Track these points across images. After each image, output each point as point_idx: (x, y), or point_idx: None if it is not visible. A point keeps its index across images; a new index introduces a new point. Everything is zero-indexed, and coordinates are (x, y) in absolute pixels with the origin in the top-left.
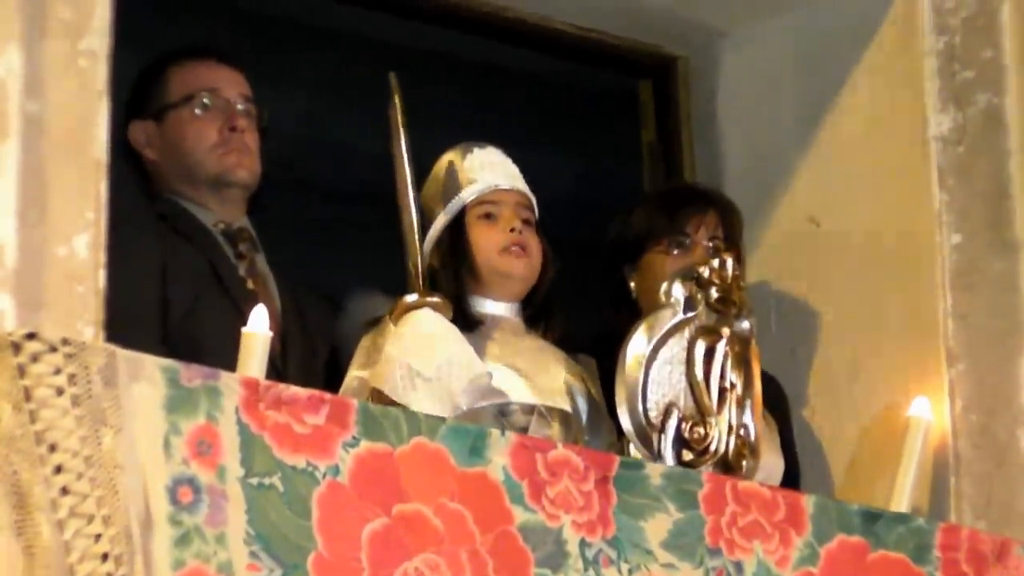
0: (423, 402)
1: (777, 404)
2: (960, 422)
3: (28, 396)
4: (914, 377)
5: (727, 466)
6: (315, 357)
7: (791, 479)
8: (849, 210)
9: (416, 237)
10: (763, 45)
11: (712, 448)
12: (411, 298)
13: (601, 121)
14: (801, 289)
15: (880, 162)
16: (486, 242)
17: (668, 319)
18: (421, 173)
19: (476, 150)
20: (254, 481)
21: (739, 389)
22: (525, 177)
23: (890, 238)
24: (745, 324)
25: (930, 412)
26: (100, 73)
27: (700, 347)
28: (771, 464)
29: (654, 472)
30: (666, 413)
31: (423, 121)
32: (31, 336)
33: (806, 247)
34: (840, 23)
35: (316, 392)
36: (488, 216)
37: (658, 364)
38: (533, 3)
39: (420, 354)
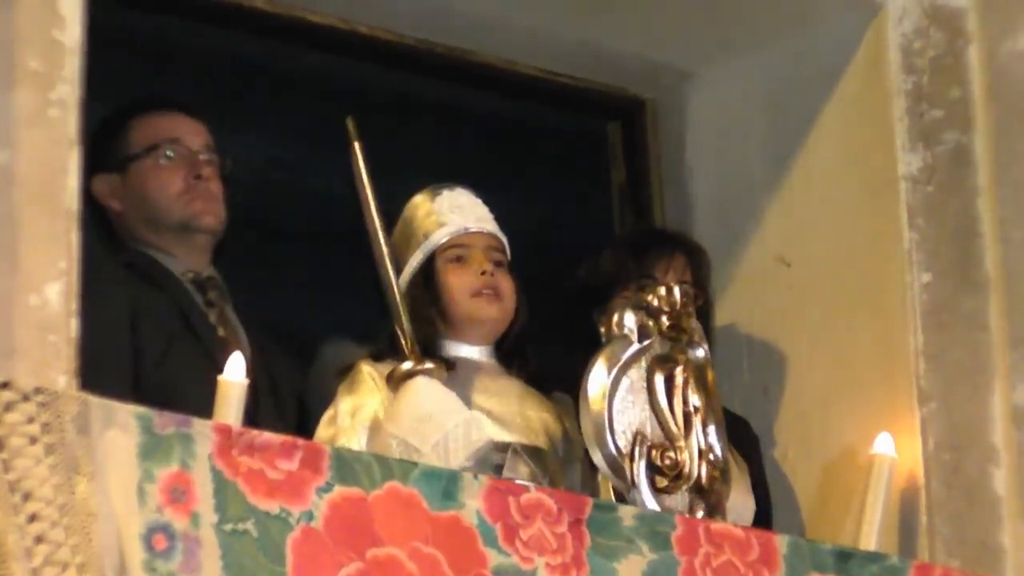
0: None
1: (748, 445)
2: (932, 460)
3: (2, 445)
4: (885, 416)
5: (701, 490)
6: (285, 407)
7: (763, 519)
8: (819, 250)
9: (400, 299)
10: (731, 86)
11: (686, 472)
12: (406, 366)
13: (570, 163)
14: (772, 329)
15: (849, 201)
16: (457, 286)
17: (624, 349)
18: (388, 218)
19: (445, 192)
20: (228, 527)
21: (702, 413)
22: (496, 220)
23: (860, 277)
24: (700, 352)
25: (893, 448)
26: (70, 123)
27: (659, 375)
28: (742, 505)
29: (627, 514)
30: (635, 442)
31: (390, 165)
32: (4, 385)
33: (776, 287)
34: (808, 64)
35: (289, 438)
36: (459, 259)
37: (620, 394)
38: (500, 47)
39: (417, 431)
